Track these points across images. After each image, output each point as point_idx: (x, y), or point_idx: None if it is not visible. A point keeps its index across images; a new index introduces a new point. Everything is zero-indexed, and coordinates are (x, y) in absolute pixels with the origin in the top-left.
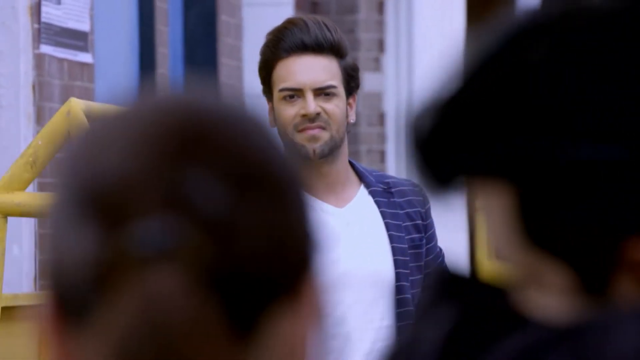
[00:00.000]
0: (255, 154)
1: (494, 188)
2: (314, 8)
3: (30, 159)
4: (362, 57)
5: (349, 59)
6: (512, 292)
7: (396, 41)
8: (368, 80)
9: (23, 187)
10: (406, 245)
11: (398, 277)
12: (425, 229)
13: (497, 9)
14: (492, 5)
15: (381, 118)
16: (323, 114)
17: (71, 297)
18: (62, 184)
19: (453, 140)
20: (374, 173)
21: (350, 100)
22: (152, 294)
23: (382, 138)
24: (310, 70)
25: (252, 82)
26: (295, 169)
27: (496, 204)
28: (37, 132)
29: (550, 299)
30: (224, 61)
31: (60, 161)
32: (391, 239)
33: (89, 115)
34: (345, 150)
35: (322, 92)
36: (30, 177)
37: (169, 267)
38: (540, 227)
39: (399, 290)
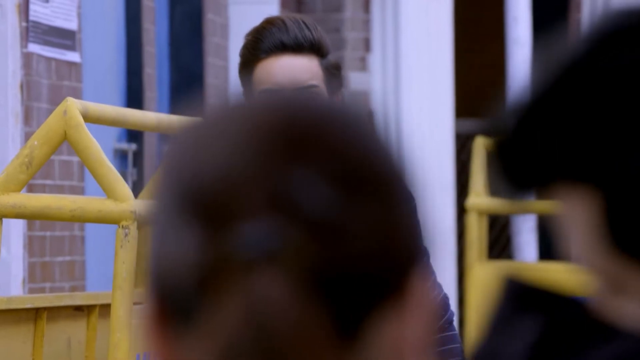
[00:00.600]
0: (361, 151)
1: (578, 194)
2: (300, 6)
3: (26, 159)
4: (348, 56)
5: (330, 58)
6: (593, 301)
7: (382, 40)
8: (354, 80)
9: (18, 189)
10: None
11: None
12: None
13: (484, 9)
14: (479, 5)
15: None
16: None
17: (175, 299)
18: (165, 184)
19: (537, 145)
20: None
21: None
22: (257, 298)
23: None
24: (290, 70)
25: (239, 82)
26: (401, 165)
27: (580, 211)
28: (25, 132)
29: (636, 307)
30: (210, 61)
31: (163, 161)
32: None
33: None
34: None
35: None
36: (25, 178)
37: (275, 271)
38: (628, 234)
39: None
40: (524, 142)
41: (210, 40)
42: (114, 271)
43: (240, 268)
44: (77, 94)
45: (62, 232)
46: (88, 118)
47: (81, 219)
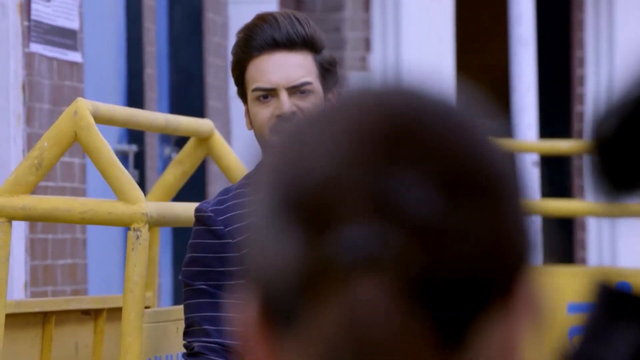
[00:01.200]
0: (467, 151)
1: None
2: (299, 6)
3: (36, 161)
4: (348, 56)
5: (325, 53)
6: None
7: (383, 40)
8: (354, 80)
9: (28, 190)
10: None
11: None
12: None
13: (484, 7)
14: (480, 4)
15: None
16: (299, 113)
17: (276, 301)
18: (266, 185)
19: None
20: None
21: (329, 97)
22: (357, 304)
23: None
24: (282, 68)
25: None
26: (510, 164)
27: None
28: (27, 133)
29: None
30: (210, 60)
31: (263, 162)
32: None
33: (95, 114)
34: None
35: (297, 90)
36: (35, 180)
37: (376, 276)
38: None
39: None
40: (628, 142)
41: (210, 40)
42: (125, 274)
43: (340, 272)
44: (79, 94)
45: (64, 235)
46: (98, 119)
47: (91, 221)
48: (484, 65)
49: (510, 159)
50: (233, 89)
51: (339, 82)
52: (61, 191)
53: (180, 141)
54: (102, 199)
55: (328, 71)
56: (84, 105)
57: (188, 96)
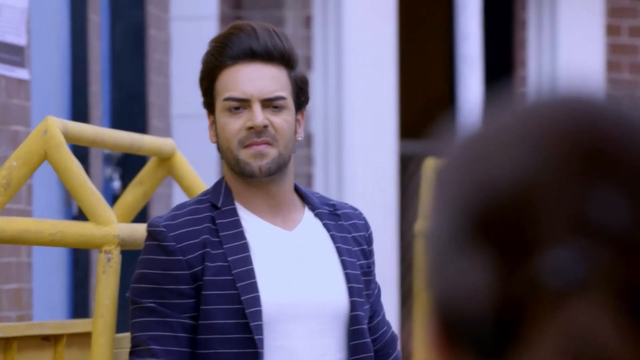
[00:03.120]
0: None
1: None
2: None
3: (4, 180)
4: None
5: (299, 71)
6: None
7: (324, 58)
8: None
9: None
10: (359, 272)
11: (353, 306)
12: (370, 254)
13: (429, 26)
14: (424, 23)
15: (308, 139)
16: (270, 129)
17: (464, 327)
18: (446, 200)
19: None
20: (316, 195)
21: (299, 116)
22: (578, 330)
23: (309, 160)
24: (258, 79)
25: (180, 100)
26: None
27: None
28: None
29: None
30: (153, 78)
31: (439, 174)
32: (344, 264)
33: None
34: (291, 169)
35: (271, 105)
36: (3, 200)
37: (590, 299)
38: None
39: (353, 320)
40: None
41: (153, 57)
42: (96, 298)
43: (550, 299)
44: (26, 114)
45: (9, 259)
46: (68, 138)
47: (61, 243)
48: (427, 85)
49: None
50: (176, 107)
51: (308, 101)
52: (7, 213)
53: (121, 162)
54: (72, 221)
55: (300, 89)
56: (55, 124)
57: (130, 114)
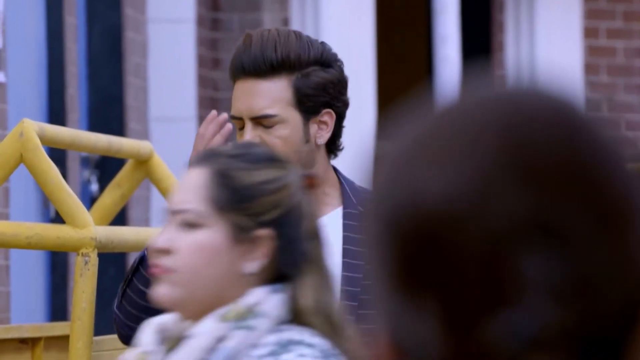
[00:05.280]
0: (611, 181)
1: None
2: (216, 25)
3: None
4: None
5: (311, 72)
6: None
7: None
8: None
9: None
10: (361, 275)
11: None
12: None
13: (406, 33)
14: (402, 27)
15: None
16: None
17: None
18: (378, 227)
19: None
20: (363, 193)
21: (321, 118)
22: None
23: None
24: (247, 97)
25: (158, 103)
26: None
27: None
28: None
29: None
30: (130, 80)
31: (372, 181)
32: (345, 266)
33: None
34: (322, 169)
35: (260, 123)
36: None
37: (544, 355)
38: None
39: None
40: None
41: (130, 60)
42: (73, 301)
43: (506, 357)
44: (3, 116)
45: None
46: (44, 141)
47: (38, 246)
48: (407, 85)
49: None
50: (153, 110)
51: (330, 105)
52: None
53: (99, 164)
54: (49, 224)
55: (307, 96)
56: (30, 127)
57: (107, 117)
